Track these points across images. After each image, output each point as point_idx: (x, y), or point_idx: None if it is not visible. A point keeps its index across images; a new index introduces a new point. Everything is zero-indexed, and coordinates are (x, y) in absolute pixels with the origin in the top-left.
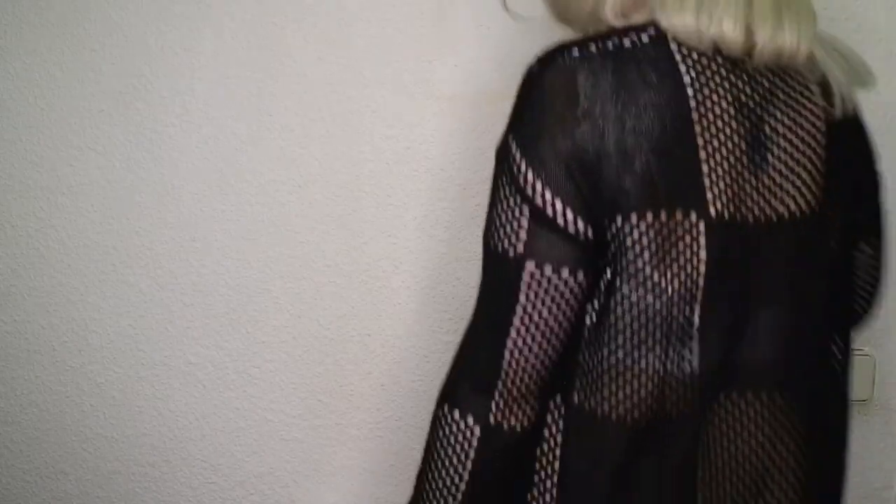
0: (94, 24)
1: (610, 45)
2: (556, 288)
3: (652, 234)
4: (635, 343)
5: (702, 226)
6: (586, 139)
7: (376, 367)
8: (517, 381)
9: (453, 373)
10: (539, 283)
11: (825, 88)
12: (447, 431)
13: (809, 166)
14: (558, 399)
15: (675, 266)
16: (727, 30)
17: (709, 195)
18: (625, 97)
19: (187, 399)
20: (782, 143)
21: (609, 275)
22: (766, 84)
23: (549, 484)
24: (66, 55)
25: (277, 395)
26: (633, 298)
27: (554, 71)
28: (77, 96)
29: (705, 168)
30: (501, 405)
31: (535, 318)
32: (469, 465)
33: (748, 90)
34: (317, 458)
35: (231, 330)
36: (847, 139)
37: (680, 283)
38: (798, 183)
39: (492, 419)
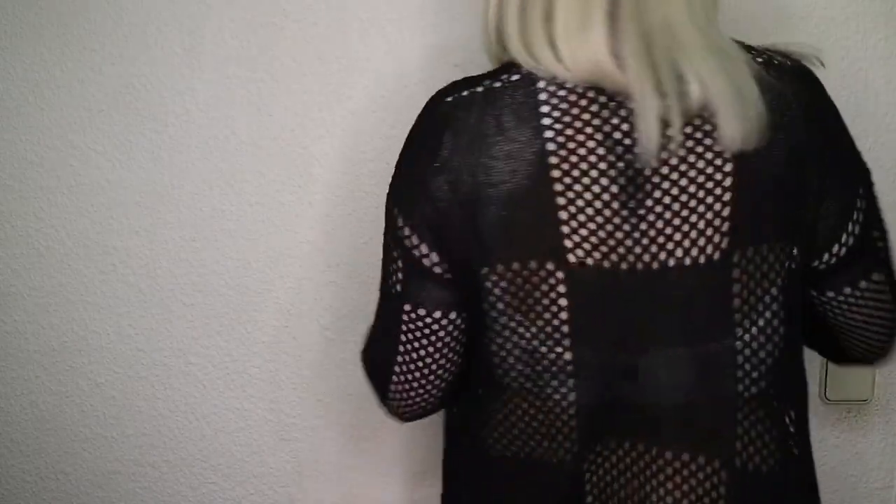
0: (94, 24)
1: (480, 88)
2: (430, 328)
3: (507, 282)
4: (509, 368)
5: (560, 274)
6: (441, 190)
7: None
8: (402, 409)
9: (365, 352)
10: (415, 324)
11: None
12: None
13: (705, 211)
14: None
15: (534, 311)
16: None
17: (568, 243)
18: (480, 146)
19: (187, 399)
20: (667, 185)
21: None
22: None
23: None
24: (66, 55)
25: (277, 395)
26: (505, 333)
27: (427, 117)
28: (77, 96)
29: (564, 215)
30: (394, 413)
31: (414, 356)
32: None
33: (624, 127)
34: (317, 458)
35: (231, 330)
36: (772, 168)
37: (543, 324)
38: (690, 232)
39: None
